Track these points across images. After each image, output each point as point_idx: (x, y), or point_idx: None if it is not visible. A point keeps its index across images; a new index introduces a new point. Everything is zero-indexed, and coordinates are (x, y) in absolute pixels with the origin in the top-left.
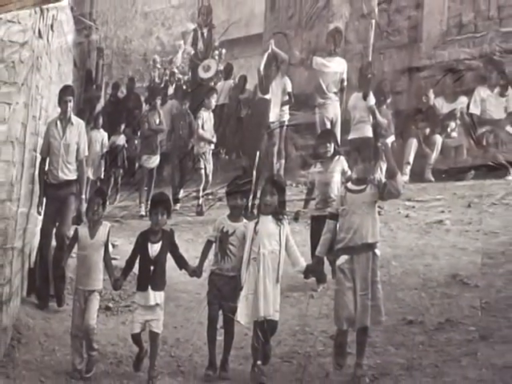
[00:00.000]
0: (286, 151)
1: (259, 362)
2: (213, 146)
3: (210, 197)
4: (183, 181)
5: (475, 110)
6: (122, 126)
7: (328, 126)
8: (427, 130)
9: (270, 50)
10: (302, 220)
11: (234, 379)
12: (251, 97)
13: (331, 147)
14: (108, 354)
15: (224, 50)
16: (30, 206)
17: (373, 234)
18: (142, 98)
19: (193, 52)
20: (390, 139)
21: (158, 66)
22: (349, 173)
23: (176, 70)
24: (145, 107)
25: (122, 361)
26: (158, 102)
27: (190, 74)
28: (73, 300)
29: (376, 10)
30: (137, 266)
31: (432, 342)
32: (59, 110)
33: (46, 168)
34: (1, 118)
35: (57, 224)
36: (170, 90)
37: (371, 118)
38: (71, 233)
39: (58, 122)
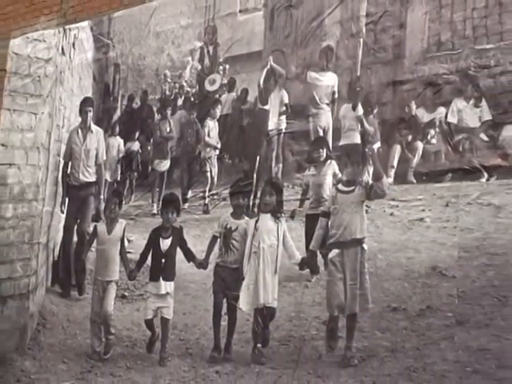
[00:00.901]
0: (283, 156)
1: (259, 345)
2: (217, 152)
3: (215, 197)
4: (191, 182)
5: (452, 119)
6: (137, 134)
7: (321, 133)
8: (409, 137)
9: (268, 66)
10: (297, 218)
11: (236, 360)
12: (252, 107)
13: (323, 152)
14: (124, 338)
15: (228, 66)
16: (54, 205)
17: (361, 231)
18: (155, 109)
19: (200, 67)
20: (376, 145)
21: (169, 80)
22: (339, 175)
23: (185, 84)
24: (157, 117)
25: (136, 344)
26: (169, 112)
27: (197, 87)
28: (92, 289)
29: (364, 30)
30: (150, 258)
31: (414, 327)
32: (80, 119)
33: (69, 171)
34: (28, 126)
35: (78, 221)
36: (179, 102)
37: (359, 126)
38: (91, 229)
39: (79, 130)
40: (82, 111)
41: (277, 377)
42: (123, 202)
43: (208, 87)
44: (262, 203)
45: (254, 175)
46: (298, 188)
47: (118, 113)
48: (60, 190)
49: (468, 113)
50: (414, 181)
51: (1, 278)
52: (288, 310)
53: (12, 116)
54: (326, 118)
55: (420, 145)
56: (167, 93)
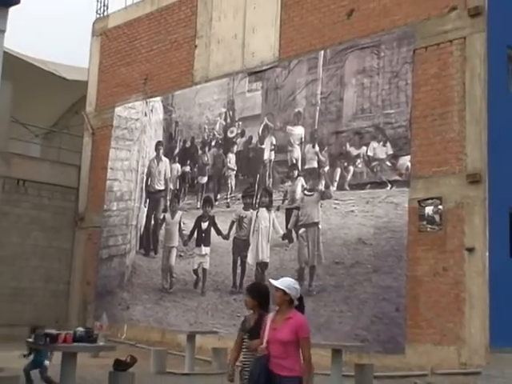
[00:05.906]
0: (272, 174)
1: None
2: (235, 172)
3: (233, 198)
4: (219, 189)
5: (370, 153)
6: (188, 161)
7: (294, 161)
8: (345, 164)
9: (264, 122)
10: (281, 210)
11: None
12: (254, 147)
13: (296, 172)
14: (180, 280)
15: (240, 122)
16: (140, 203)
17: (318, 217)
18: (198, 147)
19: (224, 123)
20: (326, 168)
21: (207, 131)
22: (305, 185)
23: (216, 133)
24: (199, 152)
25: (187, 283)
26: (206, 149)
27: (223, 134)
28: (162, 251)
29: (319, 102)
30: (195, 234)
31: (348, 273)
32: (155, 153)
33: (148, 183)
34: (125, 157)
35: (154, 212)
36: (213, 143)
37: (316, 157)
38: (161, 216)
39: (155, 159)
40: (156, 148)
41: None
42: (180, 201)
43: (229, 135)
44: (260, 202)
45: (256, 185)
46: (281, 193)
47: (177, 150)
48: (144, 194)
49: (379, 150)
50: (348, 188)
51: (109, 245)
52: (275, 264)
53: (116, 152)
54: (297, 153)
55: (351, 168)
56: (205, 138)
